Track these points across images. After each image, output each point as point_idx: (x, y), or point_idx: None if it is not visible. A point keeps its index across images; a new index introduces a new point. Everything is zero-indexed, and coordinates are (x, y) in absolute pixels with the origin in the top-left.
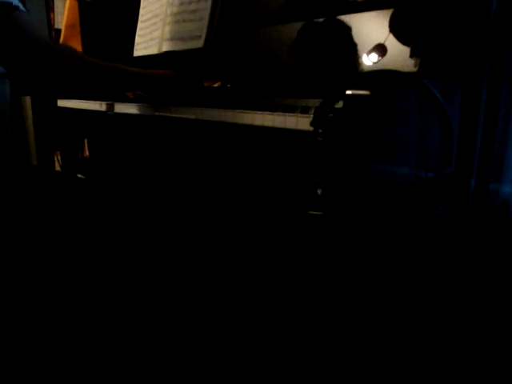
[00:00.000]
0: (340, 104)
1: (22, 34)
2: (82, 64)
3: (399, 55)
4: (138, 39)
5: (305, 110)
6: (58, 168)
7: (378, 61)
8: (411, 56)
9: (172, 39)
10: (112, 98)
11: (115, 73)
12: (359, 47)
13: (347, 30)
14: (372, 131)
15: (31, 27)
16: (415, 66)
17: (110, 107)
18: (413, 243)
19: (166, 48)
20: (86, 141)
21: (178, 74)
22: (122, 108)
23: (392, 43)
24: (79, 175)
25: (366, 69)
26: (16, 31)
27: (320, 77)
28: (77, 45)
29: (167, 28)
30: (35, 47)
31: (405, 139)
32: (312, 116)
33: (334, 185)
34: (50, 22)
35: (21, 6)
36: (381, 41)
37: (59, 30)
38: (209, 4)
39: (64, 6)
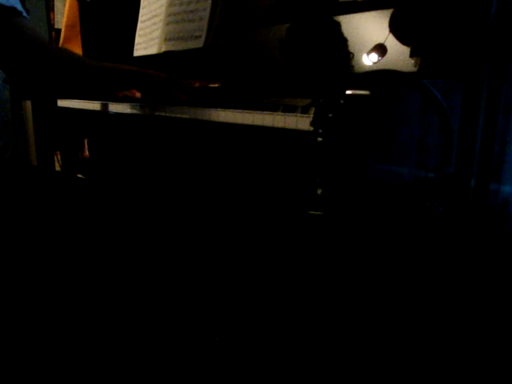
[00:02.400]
0: (340, 104)
1: (25, 40)
2: (83, 68)
3: (399, 55)
4: (137, 39)
5: (305, 110)
6: (58, 168)
7: (378, 61)
8: (411, 56)
9: (172, 39)
10: (110, 98)
11: (112, 72)
12: (359, 47)
13: (347, 30)
14: (372, 131)
15: (34, 33)
16: (415, 66)
17: (109, 107)
18: (413, 243)
19: (165, 48)
20: (85, 141)
21: (170, 77)
22: (122, 108)
23: (392, 43)
24: (79, 175)
25: (366, 69)
26: (20, 37)
27: (320, 77)
28: (77, 45)
29: (167, 28)
30: (39, 53)
31: (405, 139)
32: (312, 116)
33: (333, 185)
34: (49, 22)
35: (24, 13)
36: (381, 41)
37: (59, 30)
38: (209, 4)
39: (64, 6)
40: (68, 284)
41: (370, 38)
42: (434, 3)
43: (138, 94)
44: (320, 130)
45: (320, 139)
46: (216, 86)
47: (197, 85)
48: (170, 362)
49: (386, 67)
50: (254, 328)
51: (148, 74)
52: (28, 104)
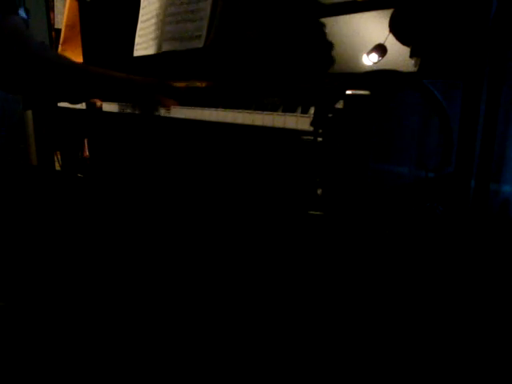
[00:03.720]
0: (340, 104)
1: (18, 41)
2: (74, 71)
3: (399, 55)
4: (137, 39)
5: (305, 110)
6: (58, 168)
7: (378, 61)
8: (411, 56)
9: (172, 39)
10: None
11: (103, 79)
12: (359, 47)
13: (347, 30)
14: (372, 131)
15: (26, 33)
16: (415, 65)
17: (109, 107)
18: (413, 243)
19: (165, 48)
20: (85, 141)
21: (160, 81)
22: (122, 108)
23: (392, 43)
24: (79, 175)
25: (365, 69)
26: (13, 37)
27: (320, 77)
28: (77, 45)
29: (167, 28)
30: (30, 56)
31: (405, 139)
32: (312, 116)
33: (333, 185)
34: (49, 22)
35: (21, 10)
36: (381, 41)
37: (59, 30)
38: (209, 4)
39: (64, 6)
40: (68, 283)
41: (370, 38)
42: (434, 3)
43: (98, 103)
44: (320, 130)
45: (320, 139)
46: (216, 86)
47: (197, 85)
48: (169, 362)
49: (386, 67)
50: (254, 327)
51: (134, 80)
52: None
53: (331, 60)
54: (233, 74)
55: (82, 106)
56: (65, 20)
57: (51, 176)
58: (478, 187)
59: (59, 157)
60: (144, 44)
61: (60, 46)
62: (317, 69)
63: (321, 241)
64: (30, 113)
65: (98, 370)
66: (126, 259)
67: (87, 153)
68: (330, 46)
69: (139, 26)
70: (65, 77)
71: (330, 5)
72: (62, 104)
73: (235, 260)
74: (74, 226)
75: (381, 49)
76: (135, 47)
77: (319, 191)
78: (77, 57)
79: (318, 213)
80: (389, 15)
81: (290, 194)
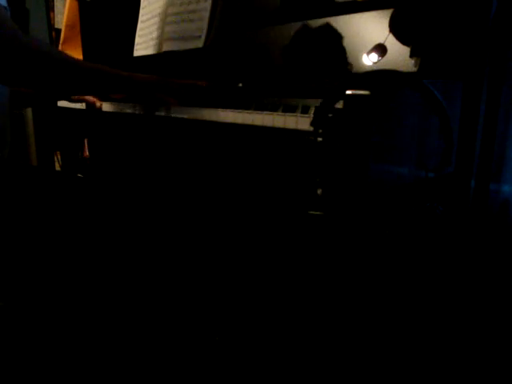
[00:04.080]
0: (340, 104)
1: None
2: (64, 64)
3: (399, 55)
4: (137, 39)
5: (305, 110)
6: (58, 168)
7: (378, 61)
8: (411, 56)
9: (172, 39)
10: (110, 98)
11: (96, 73)
12: (359, 47)
13: (347, 30)
14: (372, 131)
15: (9, 23)
16: (415, 65)
17: (109, 107)
18: (413, 243)
19: (166, 48)
20: (85, 141)
21: (161, 78)
22: (122, 108)
23: (392, 43)
24: (79, 175)
25: (365, 69)
26: None
27: (320, 77)
28: (77, 45)
29: (167, 28)
30: (15, 47)
31: (405, 139)
32: (312, 116)
33: (333, 185)
34: (49, 22)
35: (2, 2)
36: (381, 41)
37: (59, 30)
38: (209, 4)
39: (64, 6)
40: (68, 283)
41: (370, 38)
42: (434, 3)
43: (98, 104)
44: (320, 130)
45: (320, 139)
46: (216, 85)
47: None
48: (169, 362)
49: (386, 67)
50: (254, 327)
51: (139, 79)
52: None
53: (331, 60)
54: (233, 73)
55: (82, 105)
56: (65, 20)
57: (51, 176)
58: (478, 187)
59: (59, 157)
60: (144, 44)
61: (60, 45)
62: (317, 69)
63: (321, 241)
64: (30, 113)
65: (98, 370)
66: (126, 259)
67: (87, 153)
68: (330, 45)
69: (139, 25)
70: (46, 66)
71: (330, 5)
72: (61, 104)
73: (235, 260)
74: (74, 226)
75: (381, 49)
76: (135, 47)
77: (319, 191)
78: (77, 57)
79: (318, 213)
80: (389, 15)
81: (290, 194)
